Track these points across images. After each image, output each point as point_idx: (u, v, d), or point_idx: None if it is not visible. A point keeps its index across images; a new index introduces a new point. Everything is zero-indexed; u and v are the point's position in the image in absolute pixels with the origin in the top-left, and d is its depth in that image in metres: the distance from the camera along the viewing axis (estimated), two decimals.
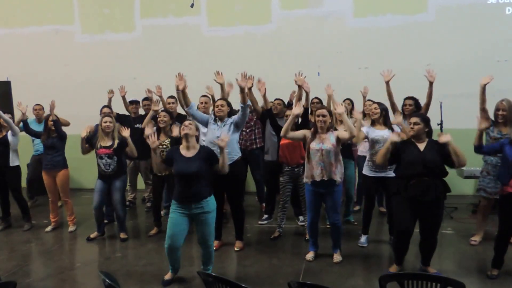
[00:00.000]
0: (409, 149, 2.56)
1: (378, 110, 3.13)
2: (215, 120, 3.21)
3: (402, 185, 2.55)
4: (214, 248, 2.91)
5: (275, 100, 3.79)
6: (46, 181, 3.79)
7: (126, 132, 3.37)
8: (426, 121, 2.63)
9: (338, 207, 2.94)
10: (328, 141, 2.81)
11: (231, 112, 3.28)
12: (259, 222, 3.76)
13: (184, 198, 2.52)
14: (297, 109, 2.82)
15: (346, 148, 3.69)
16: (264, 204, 4.16)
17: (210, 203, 2.58)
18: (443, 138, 2.47)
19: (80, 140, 3.45)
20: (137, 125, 4.23)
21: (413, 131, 2.56)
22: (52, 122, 3.63)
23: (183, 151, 2.58)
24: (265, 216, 3.80)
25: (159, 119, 3.54)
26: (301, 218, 3.81)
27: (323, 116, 2.81)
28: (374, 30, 4.84)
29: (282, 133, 2.85)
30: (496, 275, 2.65)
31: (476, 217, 3.89)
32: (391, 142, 2.57)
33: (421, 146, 2.57)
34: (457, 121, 4.45)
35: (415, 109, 3.52)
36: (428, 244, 2.69)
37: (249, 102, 3.21)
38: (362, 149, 3.90)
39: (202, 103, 3.55)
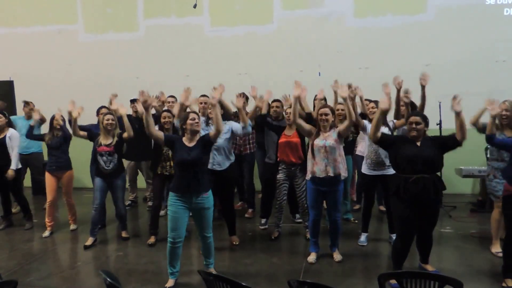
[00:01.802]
0: (407, 145, 2.56)
1: (376, 110, 3.16)
2: (207, 124, 3.22)
3: (402, 183, 2.53)
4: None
5: (273, 102, 3.73)
6: (48, 181, 3.75)
7: (123, 110, 3.31)
8: (426, 120, 2.60)
9: (339, 205, 2.97)
10: (331, 137, 2.85)
11: (227, 116, 3.28)
12: (260, 227, 3.77)
13: (184, 188, 2.54)
14: (296, 92, 2.85)
15: (348, 144, 3.66)
16: (250, 210, 4.18)
17: (210, 199, 2.63)
18: (457, 107, 2.47)
19: (72, 121, 3.40)
20: (136, 126, 4.23)
21: (415, 132, 2.53)
22: (59, 126, 3.64)
23: (185, 141, 2.62)
24: (263, 220, 3.80)
25: (163, 120, 3.42)
26: (297, 216, 3.83)
27: (326, 114, 2.86)
28: (374, 30, 4.86)
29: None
30: None
31: (473, 216, 3.91)
32: (381, 111, 2.54)
33: (418, 143, 2.58)
34: None
35: (410, 109, 3.51)
36: (425, 242, 2.70)
37: (249, 123, 3.19)
38: (361, 148, 3.91)
39: (201, 103, 3.48)
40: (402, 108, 3.35)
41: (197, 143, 2.60)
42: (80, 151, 4.43)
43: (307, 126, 2.94)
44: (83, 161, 4.61)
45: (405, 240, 2.60)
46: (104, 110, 4.01)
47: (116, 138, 3.39)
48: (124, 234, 3.62)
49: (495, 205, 3.08)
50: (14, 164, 3.74)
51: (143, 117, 2.60)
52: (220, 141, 3.16)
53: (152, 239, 3.44)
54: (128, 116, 4.26)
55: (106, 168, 3.39)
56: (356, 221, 3.82)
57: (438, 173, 2.62)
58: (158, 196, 3.48)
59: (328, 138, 2.85)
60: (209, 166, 3.13)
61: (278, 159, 3.39)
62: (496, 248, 3.07)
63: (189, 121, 2.59)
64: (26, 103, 4.53)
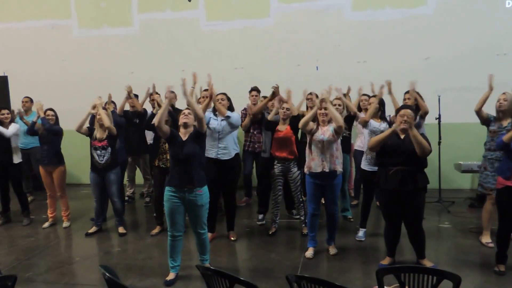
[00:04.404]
0: (390, 138, 2.58)
1: (376, 104, 3.17)
2: (215, 114, 3.24)
3: (382, 175, 2.60)
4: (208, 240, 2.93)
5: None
6: (43, 176, 3.77)
7: (99, 103, 3.30)
8: (415, 114, 2.69)
9: (336, 199, 2.99)
10: (329, 132, 2.87)
11: (230, 107, 3.30)
12: (258, 223, 3.77)
13: (176, 181, 2.55)
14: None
15: (343, 141, 3.68)
16: None
17: (204, 196, 2.61)
18: (402, 126, 2.47)
19: (86, 116, 3.41)
20: (135, 120, 4.21)
21: (405, 125, 2.52)
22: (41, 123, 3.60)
23: (181, 134, 2.65)
24: (260, 216, 3.80)
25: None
26: (294, 212, 3.83)
27: (325, 109, 2.87)
28: (373, 24, 4.81)
29: (300, 126, 2.92)
30: (504, 271, 2.61)
31: (471, 211, 3.92)
32: (393, 130, 2.55)
33: (402, 136, 2.59)
34: (456, 115, 4.46)
35: (416, 102, 3.51)
36: (415, 235, 2.71)
37: (229, 115, 3.18)
38: (360, 143, 3.89)
39: (204, 97, 3.54)
40: (410, 101, 3.40)
41: (190, 135, 2.62)
42: (76, 147, 4.41)
43: (310, 126, 2.93)
44: (79, 157, 4.60)
45: (392, 226, 2.72)
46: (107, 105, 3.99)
47: (107, 132, 3.41)
48: (121, 230, 3.61)
49: (488, 197, 3.12)
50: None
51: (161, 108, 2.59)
52: (226, 128, 3.17)
53: (156, 229, 3.55)
54: (126, 111, 4.25)
55: (100, 162, 3.42)
56: (352, 220, 3.79)
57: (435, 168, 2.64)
58: (158, 187, 3.49)
59: (325, 133, 2.87)
60: (213, 155, 3.17)
61: (272, 155, 3.39)
62: (486, 239, 3.13)
63: (180, 115, 2.65)
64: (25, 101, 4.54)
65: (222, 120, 3.19)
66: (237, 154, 3.32)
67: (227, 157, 3.22)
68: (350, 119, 3.49)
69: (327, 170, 2.83)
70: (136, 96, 4.31)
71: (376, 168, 3.12)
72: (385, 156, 2.58)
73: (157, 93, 3.99)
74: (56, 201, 3.93)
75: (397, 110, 2.67)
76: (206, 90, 3.62)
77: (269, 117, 3.42)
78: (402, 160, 2.52)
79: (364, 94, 3.81)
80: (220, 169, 3.20)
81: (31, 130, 3.75)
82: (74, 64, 5.44)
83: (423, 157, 2.50)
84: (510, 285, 2.53)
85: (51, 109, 3.72)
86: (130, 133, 4.23)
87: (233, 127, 3.23)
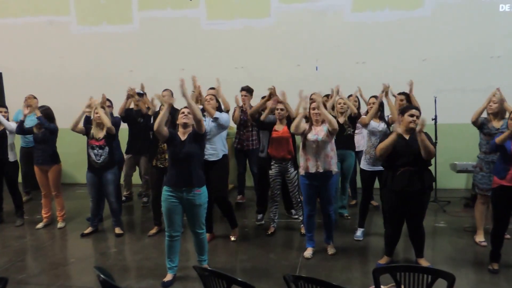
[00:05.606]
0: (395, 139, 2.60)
1: (377, 106, 3.19)
2: (203, 115, 3.20)
3: (389, 176, 2.61)
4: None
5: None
6: (38, 175, 3.73)
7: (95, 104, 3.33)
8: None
9: (332, 199, 2.99)
10: (323, 132, 2.86)
11: (219, 108, 3.28)
12: (257, 223, 3.76)
13: (174, 181, 2.55)
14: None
15: (348, 138, 3.61)
16: None
17: (203, 196, 2.61)
18: (411, 125, 2.50)
19: (80, 115, 3.41)
20: (139, 119, 4.17)
21: (414, 125, 2.55)
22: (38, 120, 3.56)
23: (180, 134, 2.65)
24: (260, 216, 3.80)
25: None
26: (293, 212, 3.83)
27: (318, 109, 2.86)
28: (372, 25, 4.83)
29: (292, 129, 2.90)
30: (497, 269, 2.65)
31: (467, 211, 3.96)
32: (397, 134, 2.56)
33: (407, 136, 2.61)
34: (451, 116, 4.50)
35: (408, 104, 3.54)
36: (416, 234, 2.73)
37: (217, 116, 3.15)
38: (356, 144, 3.89)
39: (208, 95, 3.51)
40: (402, 103, 3.39)
41: (189, 135, 2.61)
42: (72, 146, 4.37)
43: (302, 128, 2.91)
44: (75, 156, 4.56)
45: (394, 226, 2.72)
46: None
47: (104, 132, 3.39)
48: (117, 231, 3.58)
49: (478, 196, 3.17)
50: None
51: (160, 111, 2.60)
52: (215, 129, 3.15)
53: (154, 230, 3.53)
54: (130, 109, 4.21)
55: (96, 161, 3.40)
56: (349, 217, 3.81)
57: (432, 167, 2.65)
58: (155, 187, 3.47)
59: (320, 133, 2.86)
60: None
61: (269, 155, 3.38)
62: (480, 238, 3.16)
63: (179, 115, 2.65)
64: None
65: (211, 121, 3.16)
66: (225, 156, 3.29)
67: (214, 158, 3.19)
68: (353, 118, 3.50)
69: (320, 170, 2.83)
70: (144, 94, 4.23)
71: (376, 168, 3.15)
72: (392, 157, 2.58)
73: (139, 94, 3.96)
74: (51, 201, 3.88)
75: (402, 110, 2.68)
76: (212, 88, 3.59)
77: (262, 117, 3.40)
78: (409, 160, 2.54)
79: (372, 96, 3.78)
80: (208, 170, 3.16)
81: (20, 128, 3.67)
82: (72, 62, 5.39)
83: (427, 159, 2.54)
84: (504, 283, 2.56)
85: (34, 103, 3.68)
86: (134, 131, 4.19)
87: (222, 128, 3.20)
